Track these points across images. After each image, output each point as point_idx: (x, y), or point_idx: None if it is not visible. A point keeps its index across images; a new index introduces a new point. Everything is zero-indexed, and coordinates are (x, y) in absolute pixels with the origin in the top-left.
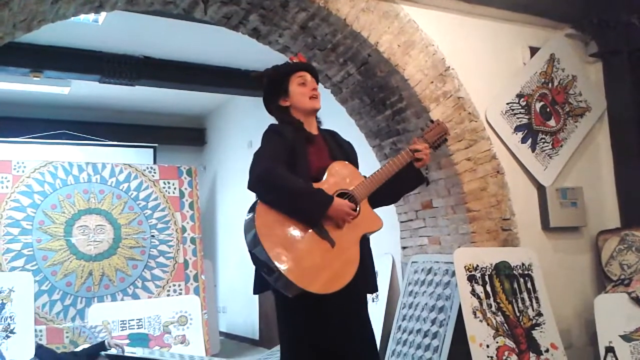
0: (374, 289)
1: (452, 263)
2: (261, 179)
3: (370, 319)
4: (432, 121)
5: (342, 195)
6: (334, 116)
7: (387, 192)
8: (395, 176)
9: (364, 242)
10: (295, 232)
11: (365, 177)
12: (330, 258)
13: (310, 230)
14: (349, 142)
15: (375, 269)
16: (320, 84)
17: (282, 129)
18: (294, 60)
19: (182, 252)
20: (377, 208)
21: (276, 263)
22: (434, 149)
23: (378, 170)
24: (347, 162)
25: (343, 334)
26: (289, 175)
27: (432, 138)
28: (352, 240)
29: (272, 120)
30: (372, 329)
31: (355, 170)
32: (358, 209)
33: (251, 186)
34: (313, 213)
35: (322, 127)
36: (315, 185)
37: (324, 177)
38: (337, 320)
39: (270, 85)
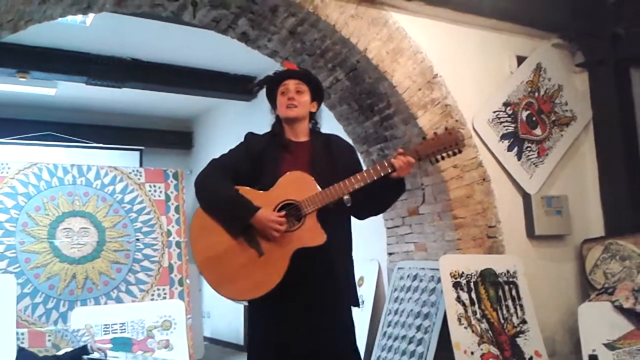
0: (350, 301)
1: (437, 270)
2: (197, 186)
3: (348, 334)
4: (446, 128)
5: (288, 206)
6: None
7: (366, 201)
8: (372, 186)
9: (337, 254)
10: (224, 238)
11: (320, 189)
12: (253, 267)
13: (240, 238)
14: (349, 147)
15: (355, 280)
16: None
17: (254, 137)
18: (284, 68)
19: (167, 256)
20: (366, 217)
21: (198, 264)
22: (435, 160)
23: (337, 184)
24: (304, 173)
25: (300, 349)
26: (220, 183)
27: (429, 149)
28: (282, 253)
29: (259, 122)
30: (346, 345)
31: (311, 181)
32: (302, 221)
33: (195, 192)
34: (233, 222)
35: (320, 132)
36: (262, 194)
37: (273, 187)
38: (295, 335)
39: (267, 96)
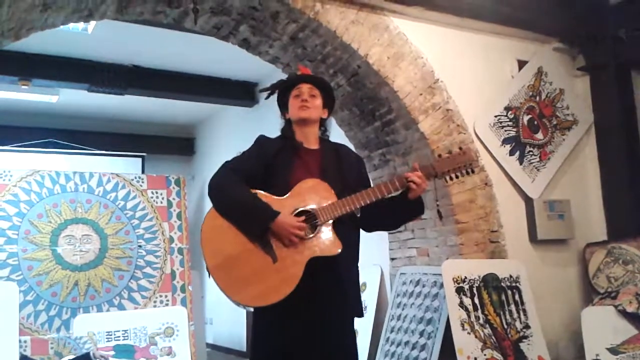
0: (355, 312)
1: (440, 275)
2: (212, 188)
3: (352, 345)
4: (460, 148)
5: (303, 213)
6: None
7: (380, 216)
8: (390, 202)
9: (340, 265)
10: (238, 241)
11: (338, 198)
12: (267, 273)
13: (254, 243)
14: (358, 158)
15: (360, 291)
16: None
17: (266, 140)
18: (298, 73)
19: (169, 263)
20: (375, 230)
21: (209, 267)
22: (449, 179)
23: (355, 195)
24: (321, 181)
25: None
26: (238, 187)
27: (445, 167)
28: (297, 260)
29: (261, 129)
30: (349, 356)
31: (329, 190)
32: (318, 230)
33: (208, 193)
34: (253, 226)
35: (329, 141)
36: (278, 199)
37: (289, 193)
38: (301, 345)
39: (278, 100)
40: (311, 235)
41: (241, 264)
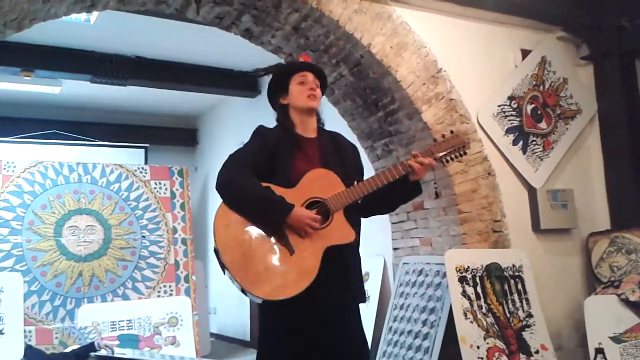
0: (359, 298)
1: (443, 264)
2: (223, 183)
3: (359, 328)
4: (452, 132)
5: (314, 203)
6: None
7: (379, 201)
8: (388, 187)
9: (346, 251)
10: (253, 236)
11: (347, 187)
12: (285, 265)
13: (270, 236)
14: (353, 146)
15: (362, 277)
16: None
17: (267, 131)
18: (301, 60)
19: (173, 253)
20: (372, 216)
21: (226, 263)
22: (446, 162)
23: (362, 182)
24: (328, 171)
25: (315, 345)
26: (251, 181)
27: (441, 150)
28: (314, 251)
29: (264, 119)
30: (357, 341)
31: (336, 179)
32: (330, 219)
33: (216, 187)
34: (269, 220)
35: (324, 129)
36: (288, 191)
37: (298, 184)
38: (308, 331)
39: (273, 82)
40: (324, 225)
41: (258, 258)
